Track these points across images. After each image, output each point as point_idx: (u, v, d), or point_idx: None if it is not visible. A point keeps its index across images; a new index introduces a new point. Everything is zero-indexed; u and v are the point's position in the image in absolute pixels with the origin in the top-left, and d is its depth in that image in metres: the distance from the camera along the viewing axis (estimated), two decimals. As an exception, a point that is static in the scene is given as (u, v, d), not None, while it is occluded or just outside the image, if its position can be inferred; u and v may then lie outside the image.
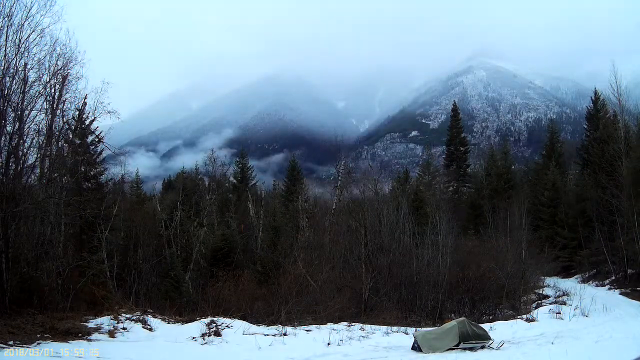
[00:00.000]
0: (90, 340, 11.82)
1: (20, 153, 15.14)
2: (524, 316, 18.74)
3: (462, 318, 13.78)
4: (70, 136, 20.81)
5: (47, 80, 16.42)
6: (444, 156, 57.73)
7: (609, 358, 11.84)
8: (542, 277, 28.33)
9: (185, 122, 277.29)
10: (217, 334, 13.08)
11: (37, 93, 15.93)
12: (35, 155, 16.20)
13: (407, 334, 14.82)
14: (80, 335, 11.99)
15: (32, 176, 16.05)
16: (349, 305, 18.93)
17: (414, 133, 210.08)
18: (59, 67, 16.61)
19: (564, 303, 21.74)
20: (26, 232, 15.65)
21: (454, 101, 75.84)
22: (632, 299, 23.83)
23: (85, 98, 19.14)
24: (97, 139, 24.04)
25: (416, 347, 12.76)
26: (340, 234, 25.29)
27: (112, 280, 20.86)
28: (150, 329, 13.48)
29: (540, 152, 51.58)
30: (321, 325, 15.17)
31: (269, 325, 14.82)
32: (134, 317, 14.16)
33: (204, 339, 12.74)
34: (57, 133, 18.28)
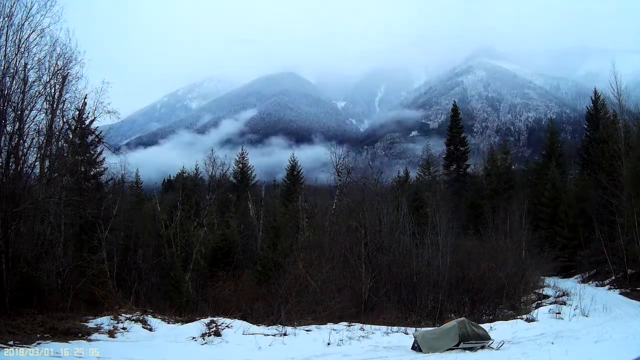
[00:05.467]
0: (90, 340, 11.81)
1: (20, 153, 15.12)
2: (524, 316, 18.71)
3: (462, 318, 13.77)
4: (70, 136, 20.81)
5: (47, 80, 16.45)
6: (444, 156, 57.71)
7: (609, 358, 11.83)
8: (542, 277, 28.35)
9: (185, 122, 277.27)
10: (217, 334, 13.06)
11: (37, 93, 15.94)
12: (35, 155, 16.18)
13: (407, 334, 14.80)
14: (80, 335, 11.98)
15: (32, 176, 16.04)
16: (349, 305, 18.92)
17: (414, 133, 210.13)
18: (59, 67, 16.64)
19: (564, 303, 21.74)
20: (26, 232, 15.64)
21: (454, 101, 75.88)
22: (632, 299, 23.84)
23: (85, 98, 19.20)
24: (97, 139, 24.08)
25: (416, 347, 12.76)
26: (340, 234, 25.25)
27: (112, 280, 20.88)
28: (150, 329, 13.47)
29: (540, 152, 51.54)
30: (321, 325, 15.16)
31: (269, 325, 14.80)
32: (134, 317, 14.15)
33: (204, 339, 12.73)
34: (57, 133, 18.29)
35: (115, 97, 20.60)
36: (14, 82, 14.68)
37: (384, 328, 15.43)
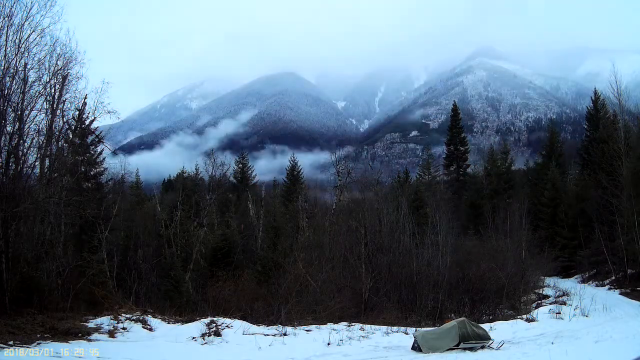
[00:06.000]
0: (90, 340, 11.81)
1: (20, 153, 15.12)
2: (524, 316, 18.72)
3: (462, 318, 13.77)
4: (70, 136, 20.81)
5: (47, 80, 16.46)
6: (444, 156, 57.77)
7: (609, 358, 11.83)
8: (542, 277, 28.33)
9: (185, 122, 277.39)
10: (217, 334, 13.07)
11: (37, 93, 15.95)
12: (35, 155, 16.19)
13: (407, 334, 14.81)
14: (80, 335, 11.99)
15: (32, 176, 16.04)
16: (349, 305, 18.92)
17: (414, 133, 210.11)
18: (59, 67, 16.66)
19: (564, 303, 21.74)
20: (26, 232, 15.64)
21: (454, 101, 75.82)
22: (632, 299, 23.83)
23: (85, 98, 19.21)
24: (97, 139, 24.09)
25: (416, 347, 12.76)
26: (340, 234, 25.25)
27: (112, 280, 20.86)
28: (150, 329, 13.48)
29: (540, 152, 51.52)
30: (321, 325, 15.17)
31: (269, 325, 14.81)
32: (134, 317, 14.16)
33: (204, 339, 12.74)
34: (57, 133, 18.28)
35: (116, 97, 20.67)
36: (14, 82, 14.70)
37: (384, 328, 15.44)
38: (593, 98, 44.85)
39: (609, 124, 36.23)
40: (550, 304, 22.40)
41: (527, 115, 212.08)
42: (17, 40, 14.64)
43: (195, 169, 38.17)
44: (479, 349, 12.87)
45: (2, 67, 14.33)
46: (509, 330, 15.94)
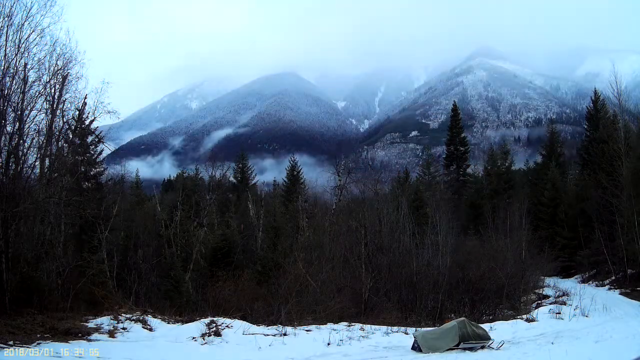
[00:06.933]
0: (90, 340, 11.81)
1: (20, 153, 15.13)
2: (524, 316, 18.72)
3: (462, 318, 13.77)
4: (70, 136, 20.82)
5: (47, 80, 16.48)
6: (444, 156, 57.79)
7: (609, 358, 11.84)
8: (542, 277, 28.32)
9: (185, 122, 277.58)
10: (217, 334, 13.07)
11: (37, 93, 15.97)
12: (35, 155, 16.21)
13: (407, 334, 14.81)
14: (80, 335, 11.99)
15: (32, 176, 16.04)
16: (349, 305, 18.91)
17: (414, 133, 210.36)
18: (59, 67, 16.67)
19: (564, 303, 21.73)
20: (26, 232, 15.64)
21: (454, 101, 75.85)
22: (632, 299, 23.83)
23: (85, 98, 19.24)
24: (97, 139, 24.09)
25: (416, 347, 12.76)
26: (340, 234, 25.25)
27: (112, 280, 20.84)
28: (150, 329, 13.48)
29: (540, 152, 51.54)
30: (321, 325, 15.16)
31: (269, 325, 14.80)
32: (134, 317, 14.16)
33: (204, 339, 12.74)
34: (57, 133, 18.29)
35: (116, 97, 20.73)
36: (14, 82, 14.72)
37: (384, 328, 15.43)
38: (593, 98, 44.86)
39: (609, 124, 36.22)
40: (550, 304, 22.38)
41: (527, 115, 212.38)
42: (17, 40, 14.66)
43: (195, 169, 38.20)
44: (479, 349, 12.87)
45: (2, 67, 14.34)
46: (509, 330, 15.94)
